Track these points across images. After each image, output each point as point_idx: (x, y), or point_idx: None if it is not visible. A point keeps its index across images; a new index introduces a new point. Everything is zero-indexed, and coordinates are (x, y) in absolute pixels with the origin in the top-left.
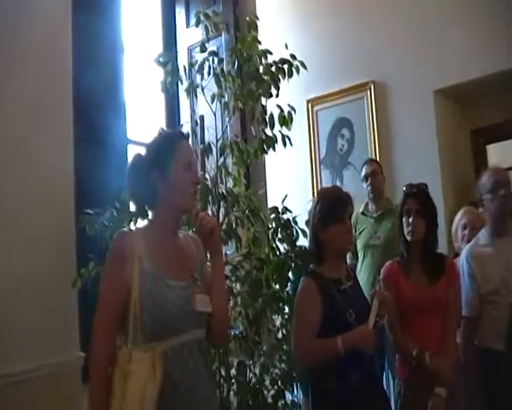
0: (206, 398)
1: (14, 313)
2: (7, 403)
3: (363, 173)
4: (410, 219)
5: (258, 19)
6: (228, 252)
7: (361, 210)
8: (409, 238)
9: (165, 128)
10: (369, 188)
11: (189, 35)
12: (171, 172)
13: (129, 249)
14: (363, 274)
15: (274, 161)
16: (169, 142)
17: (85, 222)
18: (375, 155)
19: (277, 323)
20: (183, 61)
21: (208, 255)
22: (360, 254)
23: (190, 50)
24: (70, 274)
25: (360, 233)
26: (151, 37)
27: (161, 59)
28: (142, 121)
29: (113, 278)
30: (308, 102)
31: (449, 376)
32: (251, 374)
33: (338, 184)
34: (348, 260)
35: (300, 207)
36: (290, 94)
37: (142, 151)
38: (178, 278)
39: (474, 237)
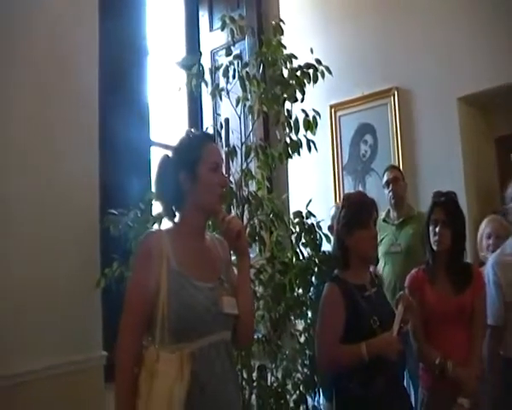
0: (232, 400)
1: (38, 311)
2: (30, 399)
3: (385, 179)
4: (437, 229)
5: (284, 23)
6: (252, 255)
7: (382, 217)
8: (435, 248)
9: (192, 130)
10: (390, 194)
11: (212, 38)
12: (198, 173)
13: (157, 250)
14: (384, 280)
15: (297, 166)
16: (197, 143)
17: (109, 222)
18: (398, 162)
19: (300, 327)
20: (206, 64)
21: (235, 258)
22: (381, 261)
23: (213, 54)
24: (94, 274)
25: (381, 240)
26: (175, 40)
27: (185, 62)
28: (165, 124)
29: (140, 279)
30: (331, 107)
31: (472, 386)
32: (273, 378)
33: (361, 190)
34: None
35: (323, 212)
36: (313, 99)
37: (170, 153)
38: (205, 279)
39: (501, 246)
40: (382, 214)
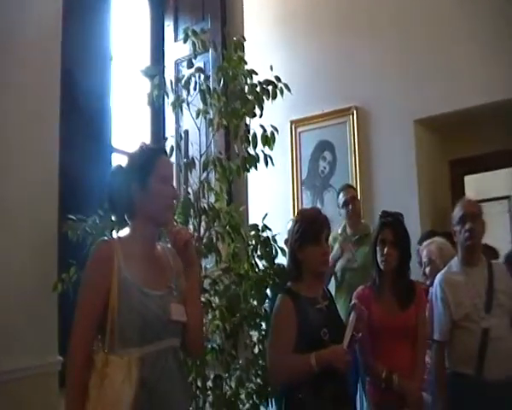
0: (180, 405)
1: None
2: None
3: (343, 199)
4: (385, 250)
5: (244, 39)
6: (208, 266)
7: (339, 232)
8: (382, 267)
9: (147, 142)
10: (349, 213)
11: (176, 49)
12: (149, 184)
13: (108, 258)
14: (342, 296)
15: (256, 179)
16: (149, 155)
17: (68, 228)
18: (356, 180)
19: (254, 338)
20: (170, 74)
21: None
22: (338, 277)
23: (177, 64)
24: (51, 278)
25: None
26: (139, 48)
27: (148, 72)
28: (127, 131)
29: (92, 286)
30: (292, 122)
31: (416, 397)
32: (227, 387)
33: (318, 205)
34: None
35: (281, 225)
36: (274, 114)
37: (123, 163)
38: (155, 287)
39: (447, 264)
40: (339, 230)
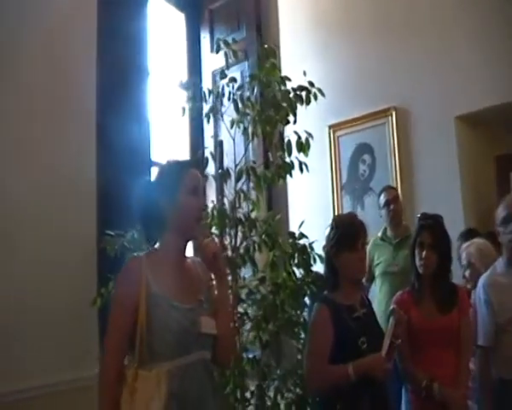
0: None
1: (35, 328)
2: None
3: (384, 199)
4: (424, 253)
5: (277, 47)
6: (246, 276)
7: (379, 235)
8: (421, 271)
9: (173, 158)
10: (390, 214)
11: (213, 60)
12: (177, 198)
13: (137, 274)
14: (380, 301)
15: (296, 186)
16: (177, 169)
17: (106, 243)
18: (396, 181)
19: (293, 348)
20: (207, 85)
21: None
22: (378, 281)
23: (215, 75)
24: (91, 293)
25: (379, 259)
26: (177, 61)
27: (185, 84)
28: (166, 144)
29: (121, 302)
30: (330, 127)
31: (460, 406)
32: (266, 398)
33: (359, 209)
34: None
35: (321, 232)
36: (312, 119)
37: (151, 177)
38: (185, 301)
39: (491, 266)
40: (379, 233)
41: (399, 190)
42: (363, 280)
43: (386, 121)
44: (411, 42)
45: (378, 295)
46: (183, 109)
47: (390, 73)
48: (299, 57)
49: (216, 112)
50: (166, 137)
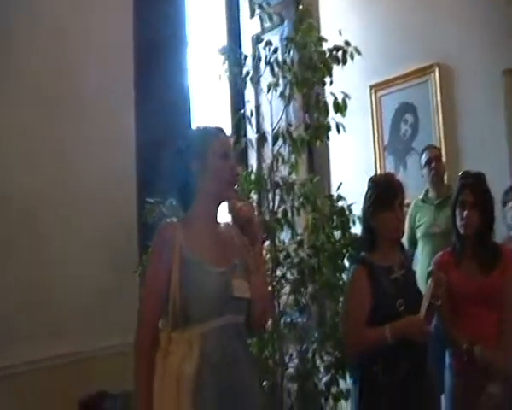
0: (246, 381)
1: (80, 295)
2: (73, 379)
3: (426, 158)
4: (465, 213)
5: (315, 6)
6: (285, 240)
7: (421, 197)
8: (462, 231)
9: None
10: (432, 172)
11: (252, 24)
12: (208, 161)
13: (170, 239)
14: (422, 263)
15: (338, 148)
16: (207, 134)
17: (146, 211)
18: (440, 141)
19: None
20: (247, 50)
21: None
22: (420, 243)
23: (254, 40)
24: (133, 261)
25: (420, 221)
26: (216, 27)
27: (224, 50)
28: (207, 111)
29: (156, 266)
30: (371, 87)
31: (503, 370)
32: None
33: (401, 170)
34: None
35: (363, 194)
36: (353, 80)
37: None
38: (218, 264)
39: None
40: (420, 195)
41: (443, 149)
42: (406, 245)
43: (429, 79)
44: None
45: (420, 258)
46: (220, 75)
47: (432, 29)
48: (339, 16)
49: (253, 76)
50: (207, 103)
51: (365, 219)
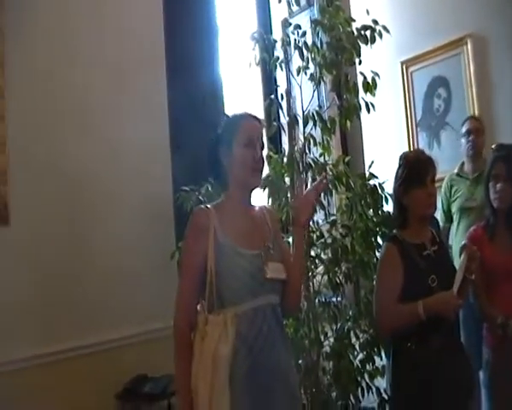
0: (282, 360)
1: (120, 282)
2: (112, 365)
3: (466, 128)
4: (498, 186)
5: None
6: (320, 220)
7: (456, 171)
8: (495, 205)
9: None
10: (469, 144)
11: (281, 8)
12: (233, 150)
13: (204, 224)
14: (459, 237)
15: (371, 126)
16: (233, 121)
17: (182, 199)
18: (474, 114)
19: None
20: (277, 34)
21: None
22: (456, 217)
23: (283, 22)
24: (170, 247)
25: (455, 195)
26: (246, 13)
27: (254, 35)
28: (239, 97)
29: (191, 251)
30: (402, 63)
31: None
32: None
33: (435, 146)
34: (441, 224)
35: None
36: (383, 57)
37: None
38: (251, 247)
39: None
40: (455, 168)
41: None
42: (441, 220)
43: (461, 51)
44: None
45: (456, 232)
46: (250, 62)
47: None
48: None
49: (283, 60)
50: (240, 89)
51: (397, 197)
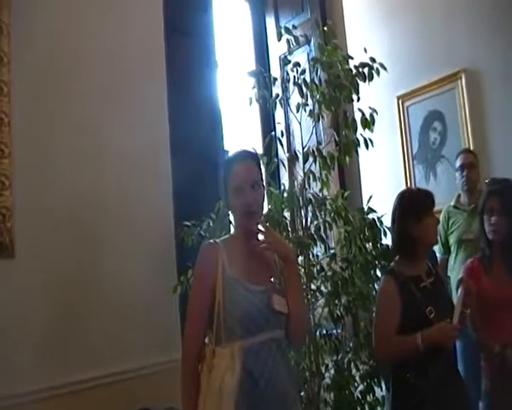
0: (286, 392)
1: (120, 316)
2: (115, 398)
3: (459, 163)
4: (493, 219)
5: (342, 23)
6: (319, 254)
7: (453, 203)
8: (490, 237)
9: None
10: (463, 179)
11: (280, 45)
12: (229, 197)
13: (213, 259)
14: (457, 269)
15: (369, 161)
16: (227, 166)
17: (184, 233)
18: (469, 147)
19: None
20: (276, 70)
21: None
22: (453, 249)
23: (281, 60)
24: (172, 281)
25: (453, 227)
26: (244, 50)
27: (252, 72)
28: (239, 132)
29: (200, 285)
30: (398, 98)
31: None
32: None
33: (431, 178)
34: (439, 255)
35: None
36: (380, 92)
37: None
38: (258, 283)
39: None
40: (452, 201)
41: None
42: (439, 251)
43: (455, 86)
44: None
45: (453, 264)
46: (250, 98)
47: (456, 35)
48: (364, 30)
49: (282, 98)
50: (238, 125)
51: (405, 230)
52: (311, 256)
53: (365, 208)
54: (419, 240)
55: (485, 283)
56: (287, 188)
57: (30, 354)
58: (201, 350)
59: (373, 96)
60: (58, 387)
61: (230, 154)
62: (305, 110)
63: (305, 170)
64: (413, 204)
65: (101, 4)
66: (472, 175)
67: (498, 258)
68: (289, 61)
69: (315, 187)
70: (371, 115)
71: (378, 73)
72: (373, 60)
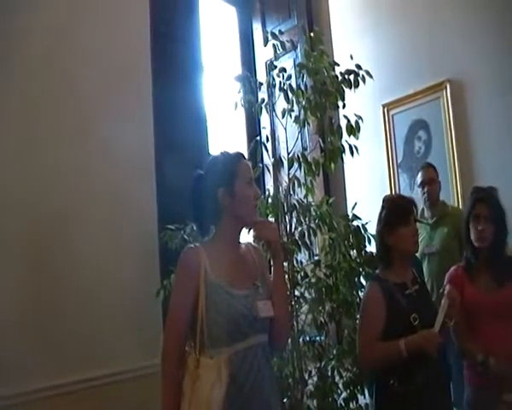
0: (269, 397)
1: (102, 319)
2: (92, 404)
3: (420, 179)
4: (479, 226)
5: (328, 30)
6: (303, 260)
7: (418, 217)
8: (476, 244)
9: (226, 150)
10: (425, 195)
11: (267, 50)
12: (235, 188)
13: (194, 264)
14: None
15: (354, 168)
16: (232, 162)
17: (167, 237)
18: (453, 158)
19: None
20: (262, 75)
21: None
22: None
23: (268, 66)
24: (155, 285)
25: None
26: (231, 54)
27: (238, 77)
28: (224, 138)
29: (181, 291)
30: (384, 106)
31: None
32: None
33: (416, 187)
34: None
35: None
36: (365, 100)
37: (203, 171)
38: (241, 287)
39: None
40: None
41: (456, 166)
42: None
43: (440, 95)
44: (462, 8)
45: None
46: (236, 103)
47: (442, 46)
48: (351, 37)
49: (268, 103)
50: (223, 129)
51: (381, 237)
52: (295, 262)
53: (350, 215)
54: (393, 248)
55: (469, 291)
56: (271, 193)
57: (12, 357)
58: (182, 352)
59: (359, 104)
60: (34, 391)
61: (230, 152)
62: (290, 116)
63: (290, 176)
64: (387, 213)
65: (87, 8)
66: (433, 190)
67: (483, 266)
68: (275, 67)
69: (300, 193)
70: (356, 122)
71: (364, 81)
72: (359, 67)
